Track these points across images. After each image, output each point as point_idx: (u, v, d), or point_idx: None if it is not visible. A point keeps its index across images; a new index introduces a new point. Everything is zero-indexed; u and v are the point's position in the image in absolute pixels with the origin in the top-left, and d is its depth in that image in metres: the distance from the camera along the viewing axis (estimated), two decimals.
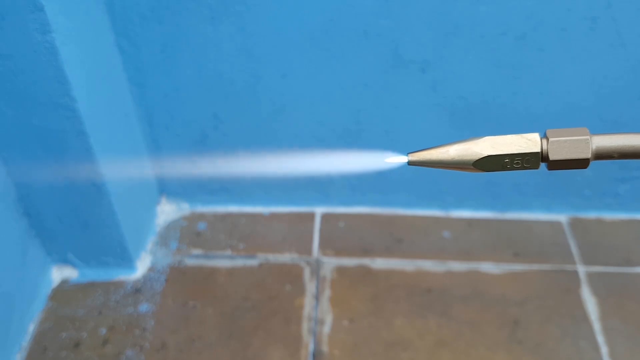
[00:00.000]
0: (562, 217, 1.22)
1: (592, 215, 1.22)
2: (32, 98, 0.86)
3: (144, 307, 1.08)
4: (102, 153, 0.95)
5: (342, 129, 1.12)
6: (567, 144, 0.37)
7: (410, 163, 0.39)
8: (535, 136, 0.38)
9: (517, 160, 0.38)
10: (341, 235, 1.20)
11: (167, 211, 1.25)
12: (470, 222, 1.22)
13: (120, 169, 1.05)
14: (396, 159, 0.40)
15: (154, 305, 1.08)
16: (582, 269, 1.12)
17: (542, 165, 0.39)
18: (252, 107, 1.09)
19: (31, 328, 1.05)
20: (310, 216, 1.24)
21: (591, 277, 1.11)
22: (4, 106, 0.87)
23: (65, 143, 0.92)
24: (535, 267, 1.13)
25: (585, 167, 0.38)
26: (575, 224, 1.21)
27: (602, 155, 0.38)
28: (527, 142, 0.37)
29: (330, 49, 1.00)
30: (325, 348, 1.01)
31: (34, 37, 0.79)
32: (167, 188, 1.24)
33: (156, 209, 1.24)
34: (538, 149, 0.37)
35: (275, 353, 1.01)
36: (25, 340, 1.03)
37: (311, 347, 1.01)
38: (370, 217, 1.24)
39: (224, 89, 1.06)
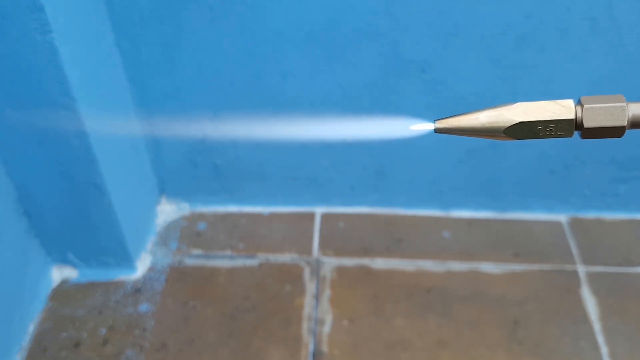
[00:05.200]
0: (562, 217, 1.22)
1: (592, 215, 1.22)
2: (32, 98, 0.86)
3: (144, 307, 1.08)
4: (102, 153, 0.95)
5: None
6: (602, 111, 0.36)
7: (437, 130, 0.38)
8: (570, 102, 0.36)
9: (551, 127, 0.36)
10: (341, 235, 1.20)
11: (167, 211, 1.25)
12: (470, 222, 1.22)
13: (121, 169, 1.05)
14: (422, 126, 0.38)
15: (154, 305, 1.08)
16: (582, 269, 1.12)
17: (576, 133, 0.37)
18: (252, 107, 1.09)
19: (31, 328, 1.05)
20: (310, 216, 1.24)
21: (591, 277, 1.11)
22: (4, 106, 0.87)
23: (65, 143, 0.92)
24: (535, 267, 1.13)
25: (620, 136, 0.36)
26: (575, 224, 1.21)
27: (638, 124, 0.36)
28: (561, 109, 0.36)
29: (330, 49, 1.00)
30: (325, 348, 1.01)
31: (34, 37, 0.79)
32: (167, 188, 1.24)
33: (156, 209, 1.24)
34: (572, 116, 0.36)
35: (275, 353, 1.01)
36: (25, 340, 1.03)
37: (311, 347, 1.01)
38: (370, 217, 1.24)
39: (224, 89, 1.06)
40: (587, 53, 0.98)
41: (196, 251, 1.18)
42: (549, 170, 1.16)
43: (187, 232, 1.21)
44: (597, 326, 1.03)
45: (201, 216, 1.24)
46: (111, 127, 1.01)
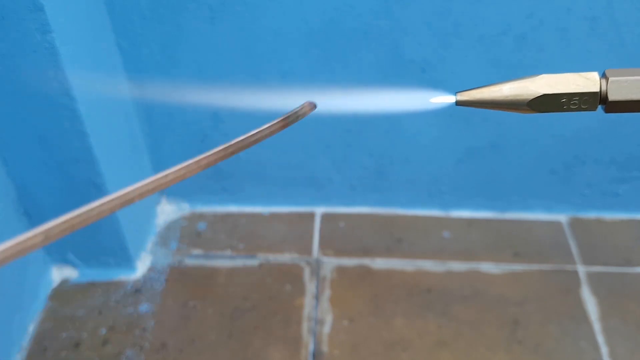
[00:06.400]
0: (562, 217, 1.22)
1: (592, 215, 1.22)
2: (32, 98, 0.86)
3: (144, 307, 1.08)
4: (102, 153, 0.95)
5: (343, 129, 1.12)
6: (627, 84, 0.35)
7: (458, 103, 0.37)
8: (595, 75, 0.35)
9: (575, 100, 0.35)
10: (341, 235, 1.20)
11: (167, 211, 1.25)
12: (470, 222, 1.22)
13: (121, 169, 1.05)
14: (443, 99, 0.37)
15: (154, 305, 1.08)
16: (582, 269, 1.12)
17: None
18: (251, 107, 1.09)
19: (31, 328, 1.05)
20: (310, 216, 1.24)
21: (591, 277, 1.11)
22: (4, 106, 0.87)
23: (65, 143, 0.92)
24: (535, 267, 1.13)
25: None
26: (575, 224, 1.21)
27: None
28: (586, 81, 0.35)
29: (330, 49, 1.00)
30: (325, 348, 1.01)
31: (34, 37, 0.79)
32: (167, 188, 1.24)
33: (156, 209, 1.24)
34: (597, 89, 0.35)
35: (275, 353, 1.01)
36: (25, 340, 1.03)
37: (311, 347, 1.01)
38: (370, 217, 1.24)
39: (224, 89, 1.06)
40: (587, 53, 0.98)
41: (196, 251, 1.18)
42: (549, 170, 1.16)
43: (187, 232, 1.21)
44: (597, 326, 1.03)
45: (201, 216, 1.24)
46: (111, 126, 1.01)
